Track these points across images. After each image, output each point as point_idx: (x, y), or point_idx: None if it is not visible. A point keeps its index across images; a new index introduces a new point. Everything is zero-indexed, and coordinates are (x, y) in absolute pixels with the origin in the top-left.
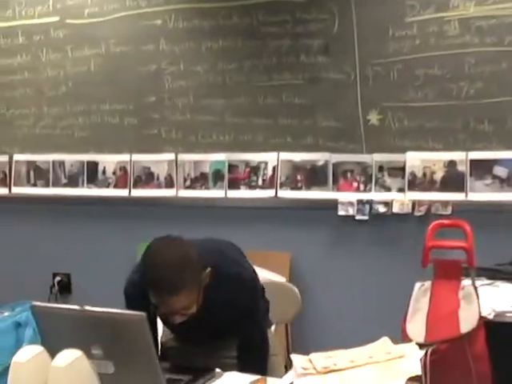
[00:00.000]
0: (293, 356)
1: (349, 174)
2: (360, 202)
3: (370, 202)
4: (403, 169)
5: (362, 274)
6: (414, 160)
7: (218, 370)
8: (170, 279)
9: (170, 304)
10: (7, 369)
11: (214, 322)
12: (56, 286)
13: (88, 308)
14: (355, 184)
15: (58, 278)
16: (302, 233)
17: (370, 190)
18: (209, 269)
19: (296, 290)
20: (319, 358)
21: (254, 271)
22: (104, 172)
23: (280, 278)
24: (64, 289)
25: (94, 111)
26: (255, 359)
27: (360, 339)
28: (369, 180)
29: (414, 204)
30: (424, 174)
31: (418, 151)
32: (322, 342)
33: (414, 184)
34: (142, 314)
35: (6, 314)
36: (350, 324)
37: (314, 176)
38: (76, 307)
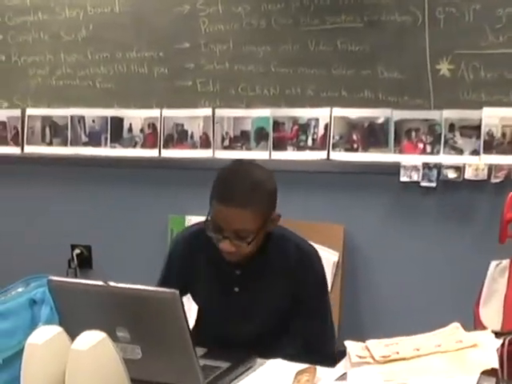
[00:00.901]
0: (347, 343)
1: (413, 134)
2: (426, 166)
3: (439, 167)
4: (478, 128)
5: (428, 250)
6: (492, 117)
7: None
8: (243, 191)
9: (232, 219)
10: (21, 351)
11: (264, 298)
12: (75, 260)
13: (112, 284)
14: (421, 145)
15: (76, 251)
16: (357, 201)
17: (438, 153)
18: (278, 213)
19: None
20: (377, 346)
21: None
22: (130, 129)
23: (332, 254)
24: (84, 263)
25: (118, 59)
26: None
27: (424, 325)
28: (437, 140)
29: (491, 169)
30: (503, 134)
31: (497, 107)
32: (378, 326)
33: (490, 146)
34: (175, 291)
35: (20, 289)
36: (411, 307)
37: (373, 135)
38: (99, 283)
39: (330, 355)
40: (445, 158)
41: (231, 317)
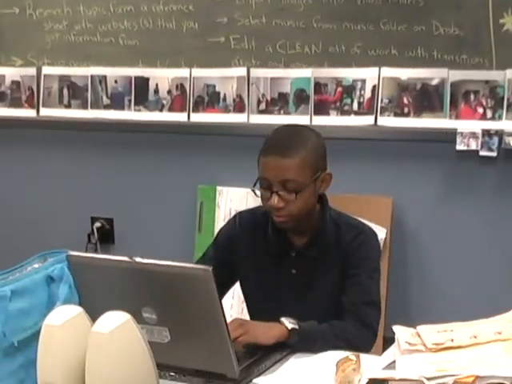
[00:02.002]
0: (395, 328)
1: (472, 97)
2: (486, 133)
3: (500, 134)
4: None
5: (486, 227)
6: None
7: None
8: (288, 142)
9: (278, 169)
10: (37, 333)
11: (320, 280)
12: (95, 234)
13: (138, 260)
14: (480, 109)
15: (97, 224)
16: (407, 172)
17: (500, 118)
18: (328, 171)
19: None
20: (430, 332)
21: None
22: (156, 91)
23: (379, 230)
24: (105, 237)
25: (143, 13)
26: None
27: (481, 310)
28: (499, 104)
29: None
30: None
31: None
32: (429, 311)
33: None
34: (208, 267)
35: (36, 265)
36: (467, 290)
37: (426, 99)
38: (124, 258)
39: (369, 326)
40: (508, 124)
41: (284, 299)
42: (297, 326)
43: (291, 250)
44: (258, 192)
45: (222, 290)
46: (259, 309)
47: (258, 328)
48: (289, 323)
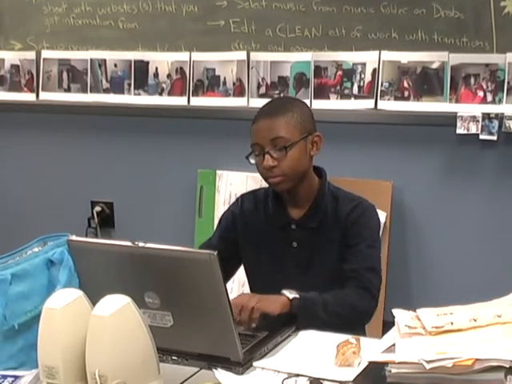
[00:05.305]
0: (395, 311)
1: (472, 80)
2: (486, 116)
3: (500, 117)
4: None
5: (487, 211)
6: None
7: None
8: (272, 106)
9: (266, 129)
10: (38, 316)
11: (321, 252)
12: (95, 218)
13: (141, 244)
14: (481, 93)
15: (97, 208)
16: (407, 156)
17: (500, 102)
18: (318, 133)
19: None
20: (429, 315)
21: None
22: (156, 75)
23: (379, 214)
24: (105, 221)
25: None
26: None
27: (481, 294)
28: (499, 88)
29: None
30: None
31: None
32: (428, 294)
33: None
34: (213, 252)
35: (36, 249)
36: (467, 272)
37: (426, 82)
38: (125, 243)
39: (370, 290)
40: (508, 108)
41: (287, 273)
42: (297, 295)
43: (291, 223)
44: (252, 160)
45: (230, 268)
46: (262, 286)
47: (266, 298)
48: (289, 294)
